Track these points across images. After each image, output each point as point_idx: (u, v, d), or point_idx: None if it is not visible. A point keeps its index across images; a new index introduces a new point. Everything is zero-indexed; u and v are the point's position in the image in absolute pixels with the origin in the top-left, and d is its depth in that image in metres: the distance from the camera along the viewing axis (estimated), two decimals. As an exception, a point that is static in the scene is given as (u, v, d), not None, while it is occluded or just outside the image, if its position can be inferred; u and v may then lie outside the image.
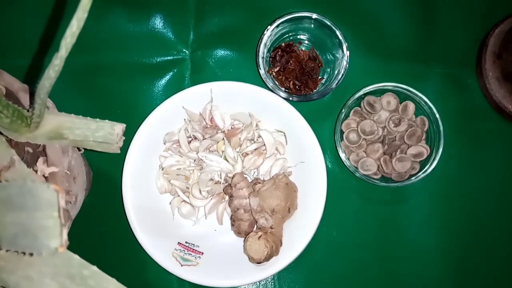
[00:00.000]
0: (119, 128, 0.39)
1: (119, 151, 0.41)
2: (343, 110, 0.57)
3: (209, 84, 0.56)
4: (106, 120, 0.39)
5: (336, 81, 0.56)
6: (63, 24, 0.59)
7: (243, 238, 0.55)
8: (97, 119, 0.39)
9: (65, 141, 0.38)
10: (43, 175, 0.38)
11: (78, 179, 0.44)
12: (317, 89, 0.59)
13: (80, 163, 0.49)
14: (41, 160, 0.39)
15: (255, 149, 0.57)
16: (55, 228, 0.24)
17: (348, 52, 0.55)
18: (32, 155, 0.40)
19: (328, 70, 0.59)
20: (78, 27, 0.27)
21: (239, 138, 0.57)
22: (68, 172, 0.39)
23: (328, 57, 0.59)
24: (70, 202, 0.39)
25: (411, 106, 0.57)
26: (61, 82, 0.60)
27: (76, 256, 0.29)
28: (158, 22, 0.61)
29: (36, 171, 0.38)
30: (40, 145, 0.40)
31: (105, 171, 0.58)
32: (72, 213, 0.41)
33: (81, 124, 0.38)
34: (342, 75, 0.55)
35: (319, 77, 0.60)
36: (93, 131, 0.38)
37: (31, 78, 0.57)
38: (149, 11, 0.61)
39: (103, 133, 0.38)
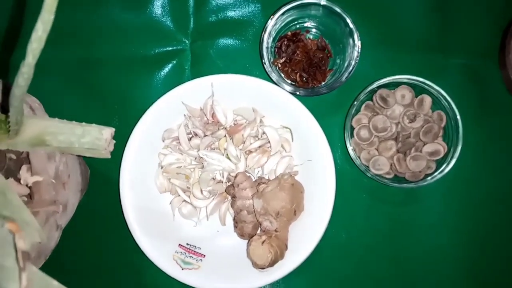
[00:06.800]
0: (107, 132, 0.35)
1: (109, 156, 0.38)
2: (354, 104, 0.53)
3: (210, 77, 0.53)
4: (93, 124, 0.36)
5: (347, 73, 0.52)
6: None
7: (246, 240, 0.53)
8: (83, 123, 0.36)
9: (49, 147, 0.35)
10: (27, 185, 0.35)
11: (69, 183, 0.41)
12: (325, 81, 0.55)
13: (74, 163, 0.46)
14: (24, 168, 0.36)
15: (259, 147, 0.54)
16: (15, 269, 0.21)
17: (359, 41, 0.51)
18: (16, 162, 0.37)
19: (338, 61, 0.55)
20: (45, 30, 0.23)
21: (242, 135, 0.54)
22: (53, 181, 0.36)
23: (338, 47, 0.55)
24: (57, 212, 0.37)
25: (427, 100, 0.53)
26: (54, 77, 0.57)
27: (55, 282, 0.26)
28: (155, 10, 0.57)
29: (19, 180, 0.35)
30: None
31: (103, 168, 0.56)
32: (61, 222, 0.39)
33: (66, 129, 0.35)
34: (353, 66, 0.52)
35: (328, 69, 0.56)
36: (79, 136, 0.35)
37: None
38: (146, -3, 0.57)
39: (90, 138, 0.35)
